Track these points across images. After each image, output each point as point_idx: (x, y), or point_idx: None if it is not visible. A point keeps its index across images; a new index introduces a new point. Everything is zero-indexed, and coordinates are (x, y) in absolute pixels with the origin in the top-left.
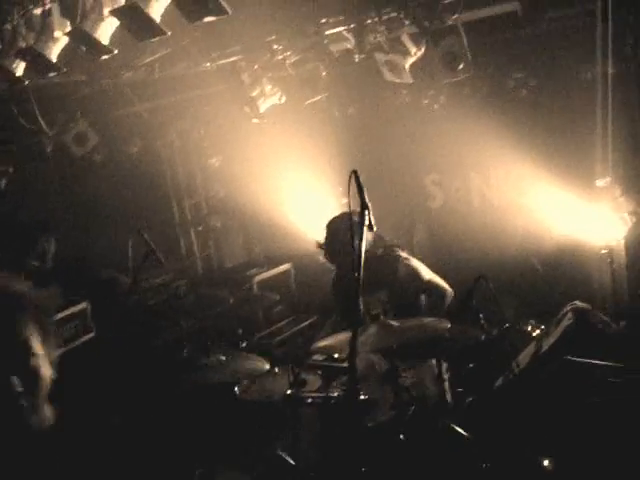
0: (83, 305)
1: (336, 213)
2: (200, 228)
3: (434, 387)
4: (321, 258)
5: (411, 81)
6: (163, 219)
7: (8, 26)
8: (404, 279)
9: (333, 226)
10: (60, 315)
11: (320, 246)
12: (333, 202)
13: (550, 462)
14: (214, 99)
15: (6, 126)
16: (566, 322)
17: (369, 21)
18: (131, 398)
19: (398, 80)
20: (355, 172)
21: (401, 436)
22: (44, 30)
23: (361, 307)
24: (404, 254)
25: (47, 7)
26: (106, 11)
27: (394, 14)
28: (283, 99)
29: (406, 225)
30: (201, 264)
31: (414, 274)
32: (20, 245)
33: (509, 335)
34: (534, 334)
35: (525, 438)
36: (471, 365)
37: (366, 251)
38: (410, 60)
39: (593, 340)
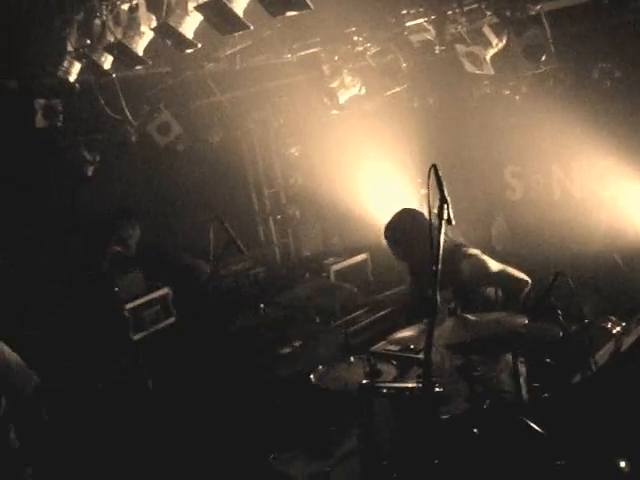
0: (165, 290)
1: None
2: (279, 217)
3: (510, 382)
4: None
5: (492, 72)
6: (243, 207)
7: (97, 21)
8: (469, 277)
9: (398, 226)
10: (142, 300)
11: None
12: (411, 193)
13: (627, 464)
14: (294, 90)
15: (94, 117)
16: None
17: (450, 12)
18: (210, 384)
19: (479, 71)
20: (434, 166)
21: (475, 430)
22: (131, 25)
23: (439, 300)
24: (470, 251)
25: (134, 3)
26: (191, 6)
27: (475, 5)
28: (363, 90)
29: (484, 218)
30: (279, 252)
31: (480, 269)
32: (104, 231)
33: (588, 331)
34: (614, 331)
35: (602, 438)
36: (548, 361)
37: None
38: (491, 51)
39: None
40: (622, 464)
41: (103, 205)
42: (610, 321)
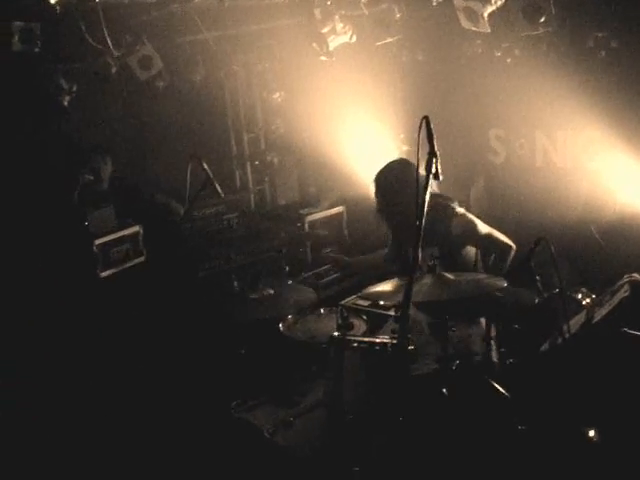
0: (136, 228)
1: (385, 163)
2: (256, 163)
3: (481, 344)
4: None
5: (488, 30)
6: (221, 150)
7: None
8: (458, 235)
9: (386, 177)
10: (113, 236)
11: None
12: (393, 148)
13: (596, 433)
14: (282, 33)
15: (73, 44)
16: (622, 294)
17: None
18: (175, 327)
19: (475, 28)
20: (426, 118)
21: (443, 389)
22: None
23: (420, 256)
24: (460, 209)
25: None
26: None
27: None
28: (354, 38)
29: (464, 179)
30: (254, 199)
31: (469, 230)
32: (76, 161)
33: (563, 298)
34: (584, 302)
35: (570, 405)
36: (519, 326)
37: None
38: (490, 8)
39: None
40: (591, 433)
41: (78, 136)
42: (581, 292)
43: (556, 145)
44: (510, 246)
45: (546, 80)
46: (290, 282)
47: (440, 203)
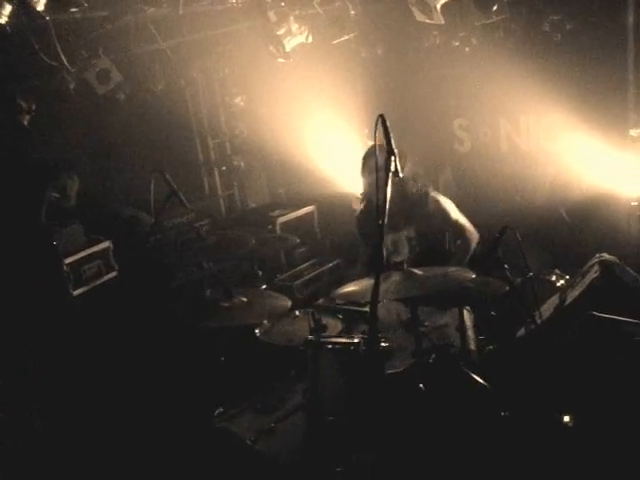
0: (105, 244)
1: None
2: (224, 168)
3: (456, 335)
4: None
5: (442, 22)
6: (187, 158)
7: None
8: (432, 216)
9: (367, 158)
10: (83, 254)
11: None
12: (359, 144)
13: (571, 418)
14: (239, 37)
15: (28, 62)
16: (592, 275)
17: None
18: (151, 338)
19: (429, 21)
20: (382, 116)
21: (420, 384)
22: None
23: (384, 254)
24: (434, 193)
25: None
26: None
27: None
28: (310, 38)
29: (432, 170)
30: (224, 204)
31: (443, 213)
32: (41, 178)
33: (532, 285)
34: (558, 284)
35: (546, 391)
36: (493, 314)
37: (397, 190)
38: (442, 0)
39: (619, 295)
40: (566, 418)
41: (40, 155)
42: (554, 274)
43: (520, 130)
44: (476, 235)
45: (505, 66)
46: (264, 287)
47: (417, 187)
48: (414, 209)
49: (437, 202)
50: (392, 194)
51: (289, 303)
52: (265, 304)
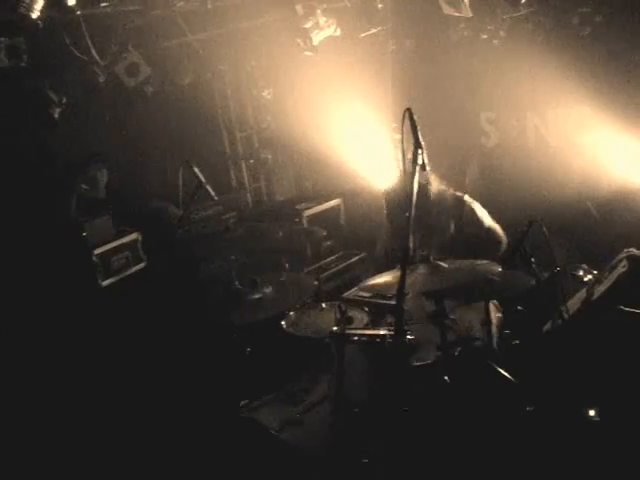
0: (134, 236)
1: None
2: (251, 161)
3: (481, 329)
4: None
5: (470, 15)
6: (214, 151)
7: None
8: (466, 222)
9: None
10: (112, 245)
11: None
12: (386, 138)
13: (596, 412)
14: (267, 30)
15: (59, 56)
16: (620, 269)
17: None
18: (179, 331)
19: (457, 14)
20: (409, 110)
21: (445, 377)
22: None
23: (411, 247)
24: (469, 199)
25: None
26: None
27: None
28: (338, 31)
29: (459, 164)
30: (251, 197)
31: (477, 220)
32: (72, 171)
33: (559, 279)
34: (585, 279)
35: (572, 386)
36: (520, 308)
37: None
38: None
39: None
40: (591, 412)
41: (70, 148)
42: (582, 269)
43: (548, 124)
44: (505, 240)
45: (534, 60)
46: (290, 271)
47: (452, 193)
48: (447, 211)
49: (472, 209)
50: (420, 192)
51: (315, 282)
52: (293, 287)
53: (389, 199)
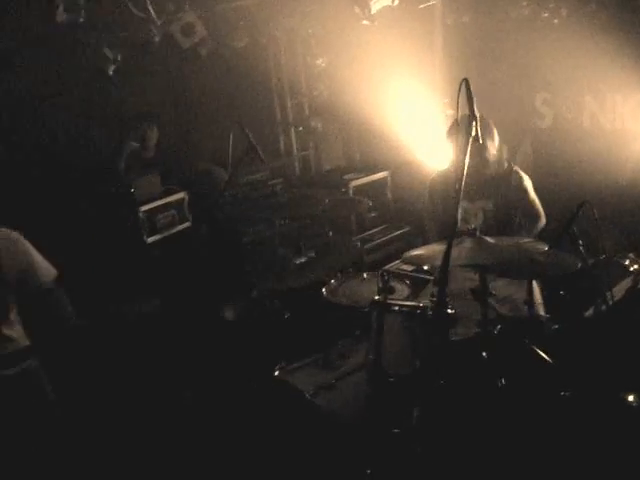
0: (181, 195)
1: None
2: (301, 129)
3: (523, 310)
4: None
5: None
6: (265, 117)
7: None
8: (513, 191)
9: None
10: (158, 203)
11: None
12: (437, 113)
13: (636, 398)
14: None
15: (117, 13)
16: None
17: None
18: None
19: None
20: (466, 80)
21: (483, 353)
22: None
23: (459, 219)
24: (517, 169)
25: None
26: None
27: None
28: (396, 1)
29: (510, 144)
30: (299, 165)
31: (524, 190)
32: (123, 128)
33: (605, 266)
34: (631, 269)
35: (610, 372)
36: (562, 293)
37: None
38: None
39: None
40: (630, 398)
41: (122, 106)
42: (628, 258)
43: (605, 108)
44: (544, 219)
45: (595, 41)
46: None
47: (501, 161)
48: (496, 183)
49: (520, 179)
50: (471, 163)
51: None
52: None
53: (435, 182)
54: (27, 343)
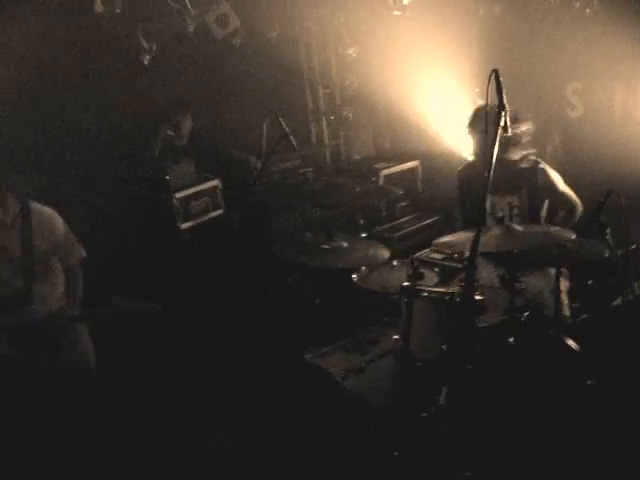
0: (214, 182)
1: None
2: (332, 118)
3: (551, 297)
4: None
5: None
6: (296, 106)
7: None
8: (540, 186)
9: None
10: (192, 190)
11: None
12: (468, 103)
13: None
14: None
15: (152, 3)
16: None
17: None
18: (250, 276)
19: None
20: (496, 71)
21: (510, 340)
22: None
23: (487, 207)
24: (543, 164)
25: None
26: None
27: None
28: None
29: (541, 134)
30: (330, 153)
31: (551, 185)
32: (157, 116)
33: (633, 257)
34: None
35: (637, 362)
36: (590, 281)
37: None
38: None
39: None
40: None
41: (157, 94)
42: None
43: (637, 98)
44: (580, 205)
45: (627, 31)
46: (364, 235)
47: (527, 155)
48: (522, 175)
49: (546, 175)
50: (499, 156)
51: (388, 253)
52: (364, 251)
53: (462, 175)
54: None
